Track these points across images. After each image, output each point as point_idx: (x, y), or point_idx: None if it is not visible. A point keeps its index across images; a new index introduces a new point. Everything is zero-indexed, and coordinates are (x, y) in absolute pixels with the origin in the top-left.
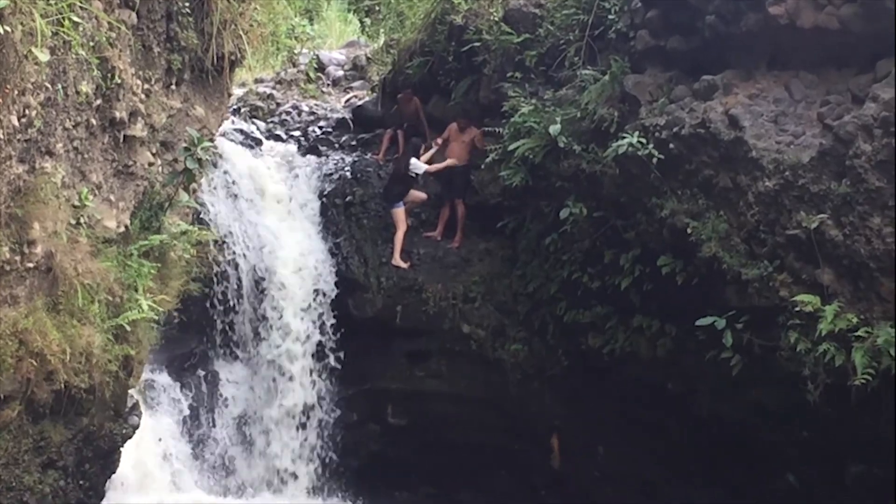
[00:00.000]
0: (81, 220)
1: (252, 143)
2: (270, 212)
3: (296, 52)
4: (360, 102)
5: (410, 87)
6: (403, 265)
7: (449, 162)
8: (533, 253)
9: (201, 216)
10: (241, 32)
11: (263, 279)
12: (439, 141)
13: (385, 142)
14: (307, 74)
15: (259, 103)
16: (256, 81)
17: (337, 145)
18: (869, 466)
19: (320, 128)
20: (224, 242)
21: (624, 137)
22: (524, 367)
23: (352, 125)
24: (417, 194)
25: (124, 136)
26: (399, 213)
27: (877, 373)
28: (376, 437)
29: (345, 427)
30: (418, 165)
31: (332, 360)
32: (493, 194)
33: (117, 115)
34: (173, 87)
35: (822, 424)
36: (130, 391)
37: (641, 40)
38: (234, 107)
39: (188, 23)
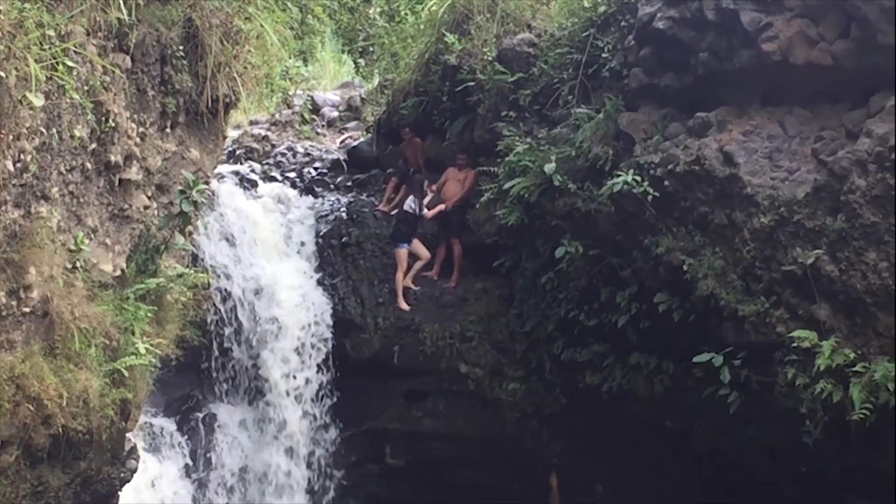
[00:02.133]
0: (77, 264)
1: (247, 184)
2: (266, 253)
3: (290, 93)
4: (354, 143)
5: (408, 126)
6: (407, 307)
7: (440, 207)
8: (529, 292)
9: (197, 259)
10: (235, 75)
11: (260, 320)
12: (434, 188)
13: (388, 190)
14: (302, 116)
15: (254, 145)
16: (251, 123)
17: (332, 186)
18: (868, 501)
19: (315, 169)
20: (220, 285)
21: (619, 175)
22: (522, 405)
23: (346, 166)
24: (421, 250)
25: (119, 179)
26: (402, 253)
27: (875, 407)
28: (375, 478)
29: (343, 468)
30: (416, 204)
31: (329, 401)
32: (488, 233)
33: (112, 158)
34: (168, 130)
35: (820, 460)
36: (128, 435)
37: (635, 78)
38: (230, 149)
39: (182, 66)
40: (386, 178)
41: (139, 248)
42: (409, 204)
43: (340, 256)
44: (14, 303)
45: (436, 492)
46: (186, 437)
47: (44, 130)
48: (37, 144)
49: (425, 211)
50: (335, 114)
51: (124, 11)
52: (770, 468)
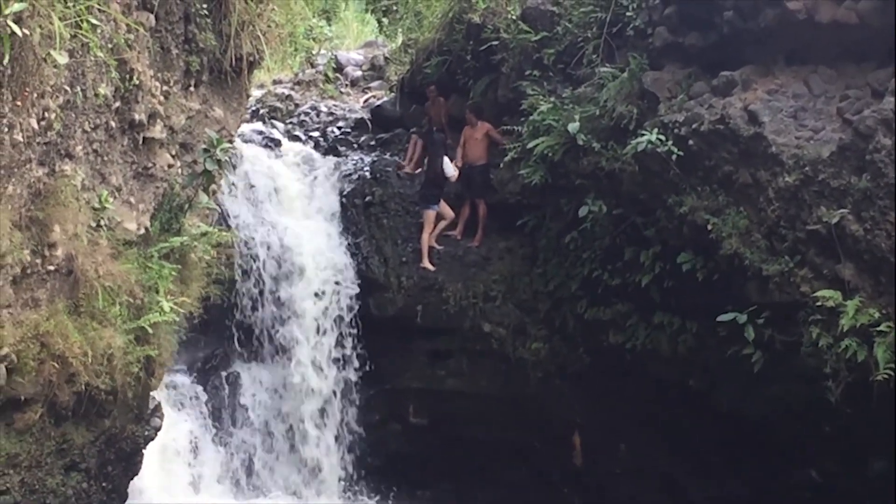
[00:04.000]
0: (101, 223)
1: (271, 143)
2: (290, 212)
3: (314, 52)
4: (378, 102)
5: (433, 84)
6: (431, 268)
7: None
8: (553, 251)
9: (221, 217)
10: (259, 34)
11: (284, 280)
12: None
13: (410, 149)
14: (325, 75)
15: (278, 104)
16: (275, 83)
17: (356, 145)
18: (891, 462)
19: (339, 128)
20: (244, 244)
21: (643, 134)
22: (545, 365)
23: (370, 125)
24: (447, 210)
25: (143, 138)
26: (430, 214)
27: None
28: (398, 436)
29: (366, 427)
30: (449, 168)
31: (353, 360)
32: (512, 193)
33: (136, 117)
34: (192, 88)
35: (843, 420)
36: (152, 393)
37: (659, 37)
38: (253, 108)
39: (206, 24)
40: (409, 138)
41: (163, 206)
42: (445, 165)
43: (364, 216)
44: (39, 261)
45: (458, 450)
46: (210, 395)
47: (68, 88)
48: (61, 102)
49: (452, 172)
50: (359, 73)
51: None
52: (793, 428)
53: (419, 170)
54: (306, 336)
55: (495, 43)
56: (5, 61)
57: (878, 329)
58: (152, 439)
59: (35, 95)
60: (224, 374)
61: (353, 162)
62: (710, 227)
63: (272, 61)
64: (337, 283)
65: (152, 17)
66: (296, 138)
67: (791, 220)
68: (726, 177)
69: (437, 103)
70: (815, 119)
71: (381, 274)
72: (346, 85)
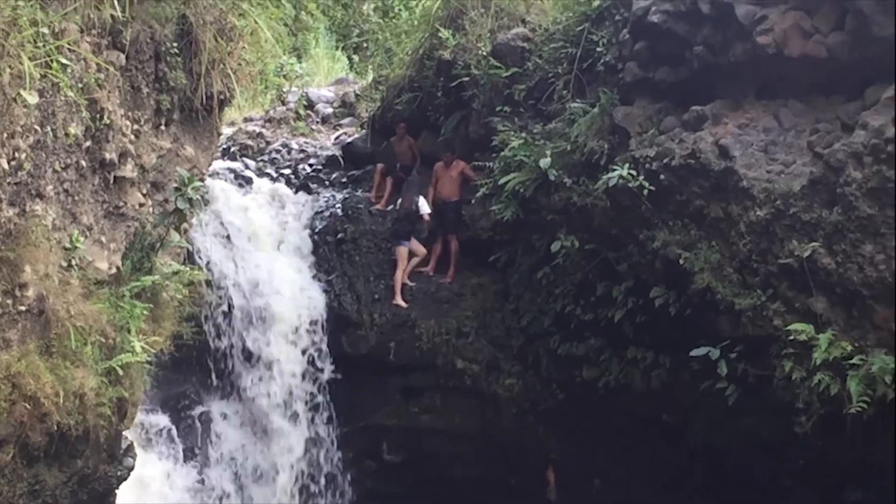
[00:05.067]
0: (73, 262)
1: (242, 181)
2: (262, 250)
3: (285, 90)
4: (349, 139)
5: (403, 122)
6: (404, 305)
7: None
8: (525, 286)
9: (193, 256)
10: (229, 72)
11: (256, 317)
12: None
13: (377, 177)
14: (296, 112)
15: (249, 142)
16: (246, 120)
17: (327, 182)
18: (866, 494)
19: (310, 165)
20: (216, 281)
21: (614, 169)
22: (519, 400)
23: (342, 162)
24: (418, 247)
25: (114, 177)
26: (402, 251)
27: (872, 400)
28: (372, 474)
29: (340, 464)
30: (424, 206)
31: (326, 398)
32: (484, 228)
33: (107, 156)
34: (163, 127)
35: (818, 453)
36: (125, 433)
37: (630, 72)
38: (224, 146)
39: (177, 63)
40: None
41: (134, 245)
42: (419, 204)
43: (336, 253)
44: (10, 301)
45: (433, 487)
46: (182, 434)
47: (38, 128)
48: (31, 142)
49: (427, 211)
50: (329, 110)
51: (118, 8)
52: (767, 461)
53: (391, 206)
54: (278, 373)
55: (466, 79)
56: None
57: (850, 362)
58: (125, 479)
59: (5, 135)
60: (197, 412)
61: (325, 199)
62: (682, 261)
63: (243, 99)
64: (309, 320)
65: (122, 56)
66: (267, 175)
67: (763, 253)
68: (698, 211)
69: (405, 140)
70: (786, 153)
71: (354, 311)
72: (317, 122)
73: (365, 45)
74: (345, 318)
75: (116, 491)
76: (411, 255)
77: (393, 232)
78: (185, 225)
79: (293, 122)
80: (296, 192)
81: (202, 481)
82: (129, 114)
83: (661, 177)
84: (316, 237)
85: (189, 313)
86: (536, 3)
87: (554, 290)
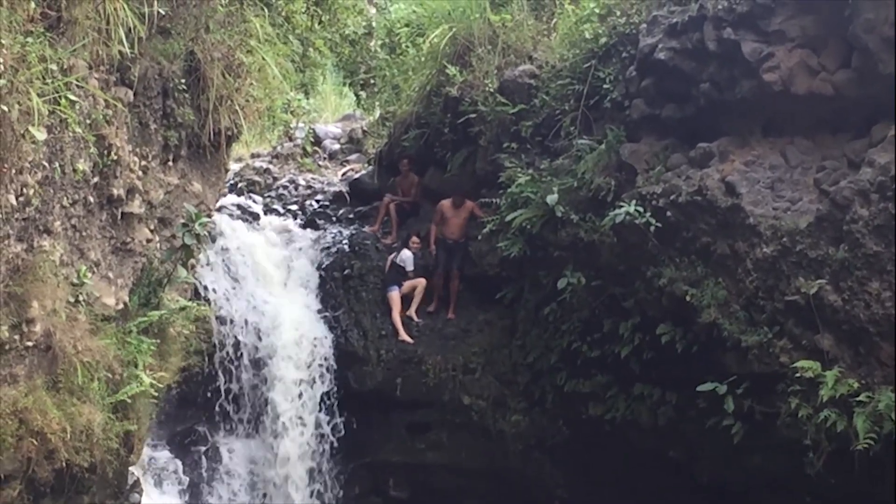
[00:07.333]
0: (80, 298)
1: (249, 217)
2: (269, 286)
3: (292, 126)
4: (356, 175)
5: (407, 157)
6: (410, 341)
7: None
8: (532, 323)
9: (200, 291)
10: (237, 108)
11: (263, 353)
12: (416, 241)
13: (381, 211)
14: (303, 148)
15: (256, 178)
16: (253, 156)
17: (334, 218)
18: None
19: (317, 201)
20: (223, 317)
21: (621, 206)
22: (525, 437)
23: (349, 198)
24: (412, 283)
25: (122, 213)
26: (393, 296)
27: (879, 437)
28: None
29: (347, 501)
30: (408, 261)
31: (332, 434)
32: (491, 265)
33: (115, 192)
34: (170, 163)
35: (824, 490)
36: (131, 468)
37: (637, 109)
38: (232, 182)
39: (184, 99)
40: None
41: (142, 281)
42: (401, 258)
43: (343, 289)
44: (17, 337)
45: None
46: (188, 470)
47: (46, 164)
48: (39, 178)
49: (410, 268)
50: (337, 146)
51: (126, 45)
52: (774, 498)
53: (398, 242)
54: (285, 409)
55: (473, 116)
56: None
57: (857, 399)
58: None
59: (13, 171)
60: (203, 448)
61: (332, 235)
62: (688, 298)
63: (250, 135)
64: (316, 356)
65: (130, 92)
66: (274, 212)
67: (769, 290)
68: (704, 248)
69: (409, 177)
70: (793, 190)
71: (360, 347)
72: (325, 158)
73: (372, 81)
74: (351, 354)
75: None
76: (410, 293)
77: (384, 278)
78: (192, 261)
79: (300, 158)
80: (303, 228)
81: None
82: (137, 150)
83: (668, 213)
84: (323, 273)
85: (196, 349)
86: (543, 39)
87: (561, 326)
